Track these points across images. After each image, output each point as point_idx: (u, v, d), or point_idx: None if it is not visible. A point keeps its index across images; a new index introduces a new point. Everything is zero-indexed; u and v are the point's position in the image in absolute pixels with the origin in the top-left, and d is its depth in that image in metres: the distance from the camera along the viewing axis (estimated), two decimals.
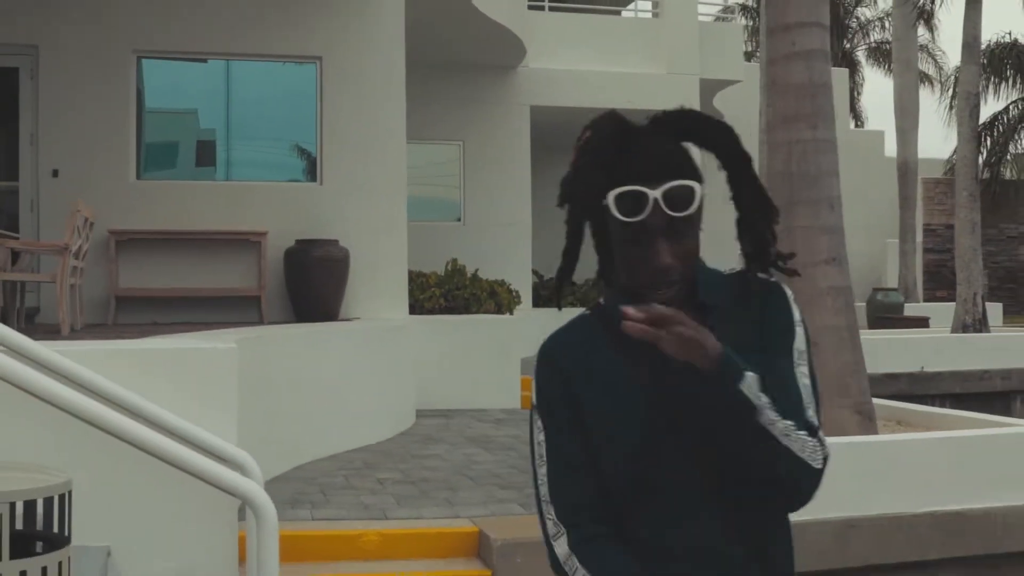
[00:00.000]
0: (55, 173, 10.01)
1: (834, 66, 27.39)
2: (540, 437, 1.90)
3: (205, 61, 10.74)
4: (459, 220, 15.25)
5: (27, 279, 8.27)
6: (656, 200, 1.76)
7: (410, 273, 11.23)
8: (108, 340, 6.18)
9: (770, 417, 1.71)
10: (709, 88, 15.78)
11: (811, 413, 1.79)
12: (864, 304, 17.37)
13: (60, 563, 3.51)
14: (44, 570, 3.43)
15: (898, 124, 21.52)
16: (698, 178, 1.81)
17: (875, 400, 7.26)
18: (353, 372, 8.88)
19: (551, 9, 16.50)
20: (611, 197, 1.79)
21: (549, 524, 1.87)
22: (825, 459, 1.76)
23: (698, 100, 16.06)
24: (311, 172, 10.80)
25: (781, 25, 6.59)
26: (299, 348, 8.13)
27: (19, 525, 3.48)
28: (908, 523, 5.76)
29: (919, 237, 21.89)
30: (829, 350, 6.36)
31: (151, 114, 10.71)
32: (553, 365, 1.90)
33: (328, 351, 8.56)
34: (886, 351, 11.49)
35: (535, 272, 15.96)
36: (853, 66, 29.94)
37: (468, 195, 15.20)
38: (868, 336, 11.81)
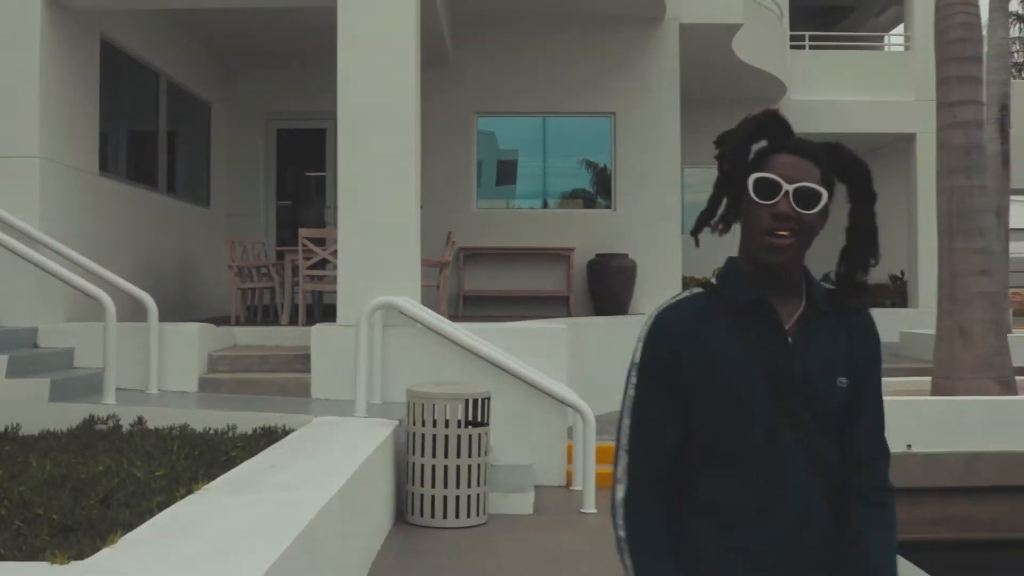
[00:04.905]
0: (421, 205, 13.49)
1: None
2: (631, 392, 2.06)
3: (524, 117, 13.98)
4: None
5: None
6: (788, 193, 1.95)
7: (684, 278, 13.99)
8: (478, 322, 9.45)
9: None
10: None
11: (884, 438, 2.07)
12: None
13: (484, 434, 6.72)
14: (479, 436, 6.64)
15: None
16: (827, 190, 1.99)
17: None
18: None
19: (811, 47, 18.85)
20: (752, 179, 1.99)
21: (619, 469, 2.03)
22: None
23: None
24: (607, 201, 13.80)
25: (946, 103, 9.05)
26: (603, 331, 11.21)
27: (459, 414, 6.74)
28: None
29: None
30: (978, 337, 8.80)
31: (481, 135, 13.97)
32: (664, 332, 2.02)
33: (622, 334, 11.37)
34: None
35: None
36: None
37: None
38: None
